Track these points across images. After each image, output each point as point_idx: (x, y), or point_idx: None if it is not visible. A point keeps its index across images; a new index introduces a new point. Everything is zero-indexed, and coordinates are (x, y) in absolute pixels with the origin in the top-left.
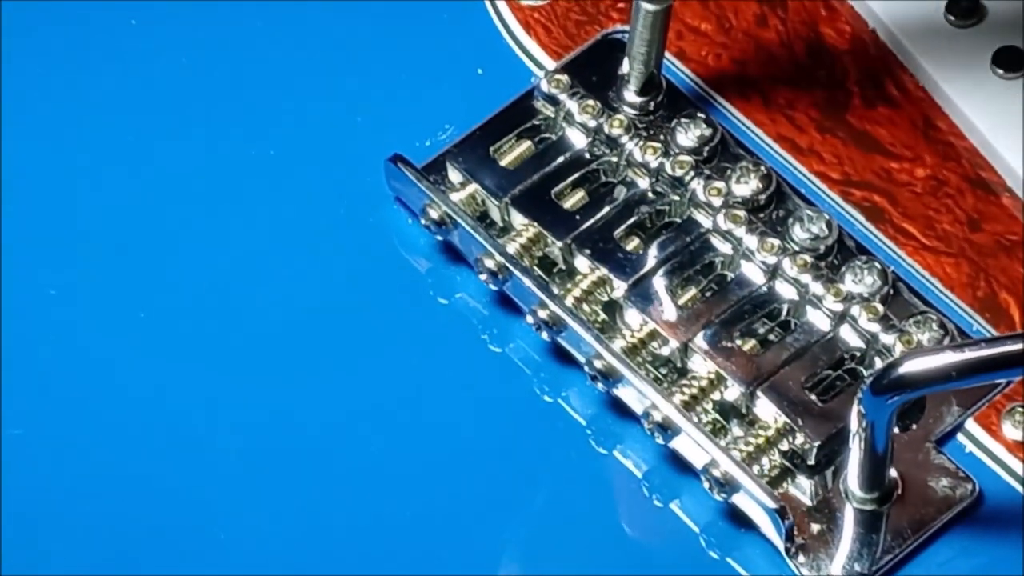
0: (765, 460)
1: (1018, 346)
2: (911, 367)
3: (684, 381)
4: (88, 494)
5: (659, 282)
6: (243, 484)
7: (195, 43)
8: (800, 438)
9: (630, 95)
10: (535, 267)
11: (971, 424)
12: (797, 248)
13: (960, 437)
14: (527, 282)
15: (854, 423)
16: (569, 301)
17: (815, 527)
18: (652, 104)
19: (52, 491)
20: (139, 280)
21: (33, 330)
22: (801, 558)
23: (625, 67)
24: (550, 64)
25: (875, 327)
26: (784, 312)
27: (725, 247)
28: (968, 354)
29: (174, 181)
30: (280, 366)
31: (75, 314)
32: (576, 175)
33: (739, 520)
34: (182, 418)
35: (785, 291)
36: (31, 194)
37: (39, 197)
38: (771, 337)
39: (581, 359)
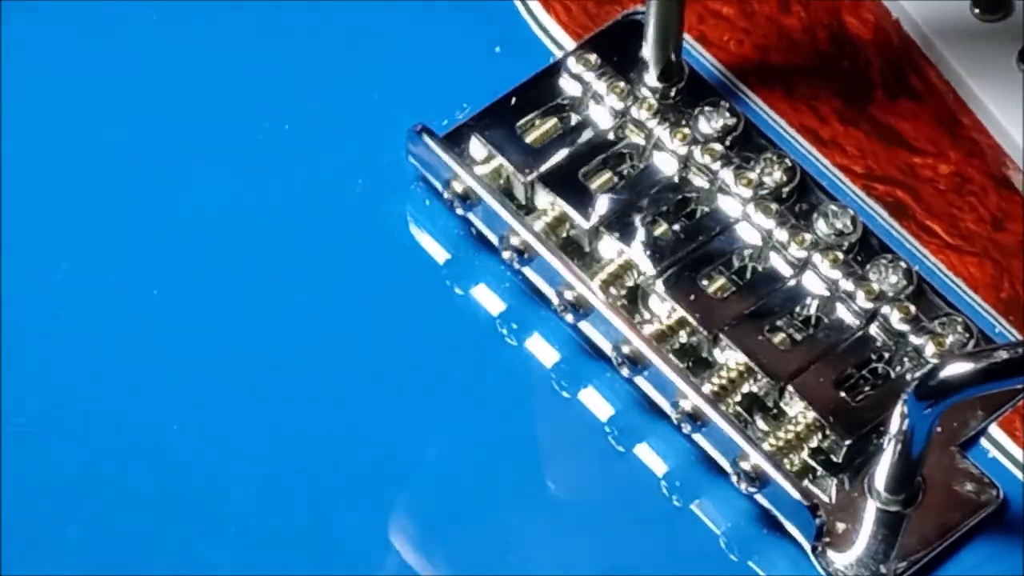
0: (793, 456)
1: None
2: (957, 370)
3: (712, 372)
4: (93, 487)
5: (687, 270)
6: (256, 472)
7: (212, 16)
8: (830, 436)
9: (651, 79)
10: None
11: (995, 429)
12: (822, 245)
13: (983, 442)
14: (554, 261)
15: (894, 426)
16: (596, 284)
17: (839, 526)
18: (673, 90)
19: (55, 483)
20: (149, 260)
21: (38, 320)
22: (827, 557)
23: (646, 52)
24: (569, 44)
25: (905, 327)
26: (813, 308)
27: (754, 238)
28: (1017, 355)
29: (187, 155)
30: (294, 350)
31: (87, 297)
32: (602, 156)
33: (761, 520)
34: (193, 407)
35: (814, 286)
36: (39, 175)
37: (47, 178)
38: (797, 333)
39: (607, 344)
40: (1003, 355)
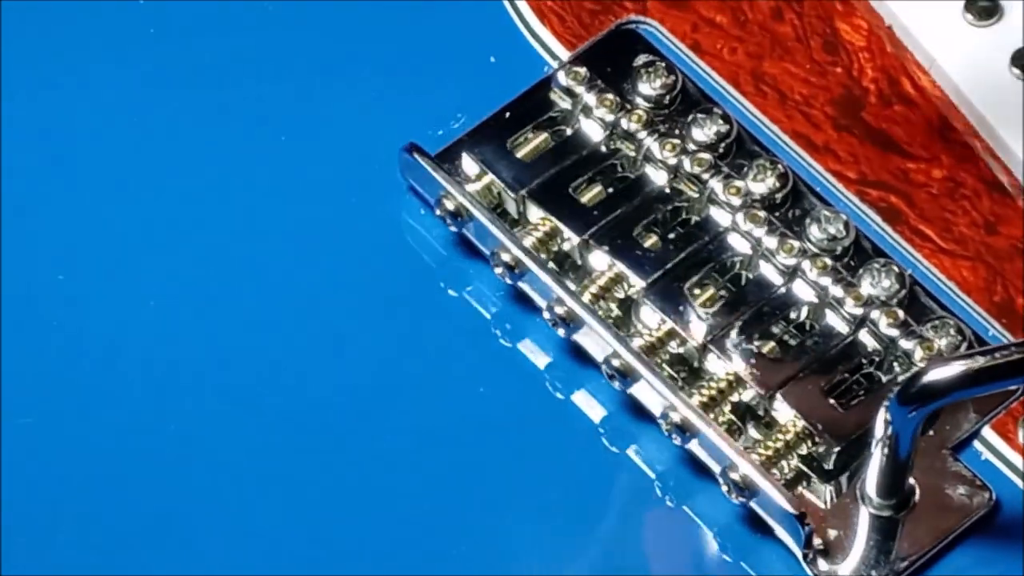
0: (783, 464)
1: None
2: (938, 375)
3: (702, 382)
4: (95, 487)
5: (677, 281)
6: (252, 475)
7: (208, 29)
8: (820, 443)
9: (645, 88)
10: (551, 262)
11: (987, 431)
12: (815, 250)
13: (976, 444)
14: (544, 277)
15: (879, 431)
16: (586, 298)
17: (831, 532)
18: (667, 98)
19: (59, 483)
20: (148, 268)
21: (41, 319)
22: (818, 564)
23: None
24: (564, 54)
25: (894, 332)
26: (803, 315)
27: (744, 247)
28: (997, 359)
29: (184, 167)
30: (289, 357)
31: (84, 302)
32: (593, 170)
33: (754, 523)
34: (191, 410)
35: (804, 293)
36: (41, 182)
37: (49, 185)
38: (789, 340)
39: (598, 357)
40: (981, 360)
